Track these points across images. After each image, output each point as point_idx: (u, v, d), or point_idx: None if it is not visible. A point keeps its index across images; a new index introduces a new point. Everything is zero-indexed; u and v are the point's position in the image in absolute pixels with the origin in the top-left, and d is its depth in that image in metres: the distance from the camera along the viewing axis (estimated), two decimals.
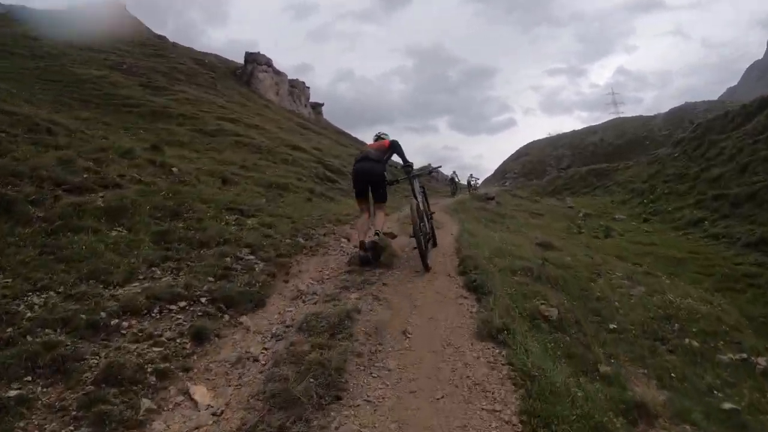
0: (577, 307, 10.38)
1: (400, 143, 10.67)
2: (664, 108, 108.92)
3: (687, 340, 11.23)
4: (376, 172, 10.09)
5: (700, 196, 33.95)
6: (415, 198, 10.54)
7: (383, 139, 11.05)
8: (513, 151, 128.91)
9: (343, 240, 12.58)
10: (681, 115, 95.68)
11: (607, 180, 61.43)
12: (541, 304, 8.93)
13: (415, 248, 10.10)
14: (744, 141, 36.04)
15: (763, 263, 22.00)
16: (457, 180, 50.92)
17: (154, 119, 26.88)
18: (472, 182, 53.09)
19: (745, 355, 11.24)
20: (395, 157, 11.01)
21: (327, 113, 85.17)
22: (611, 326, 10.73)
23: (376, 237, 10.03)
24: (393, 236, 12.34)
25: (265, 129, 32.26)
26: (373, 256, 9.89)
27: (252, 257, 9.49)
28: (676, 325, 12.12)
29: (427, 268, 9.70)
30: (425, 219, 10.71)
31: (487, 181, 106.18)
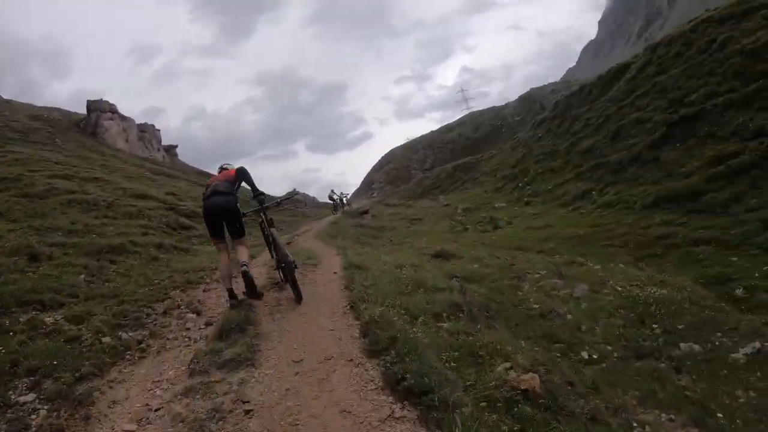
0: (538, 346, 7.13)
1: (247, 170, 9.46)
2: (512, 97, 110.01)
3: (683, 346, 8.43)
4: (230, 207, 8.89)
5: (577, 170, 32.14)
6: (268, 230, 9.60)
7: (228, 169, 9.85)
8: (375, 161, 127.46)
9: (190, 316, 9.05)
10: (530, 100, 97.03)
11: (474, 172, 60.19)
12: (508, 369, 5.31)
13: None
14: (609, 109, 34.66)
15: (670, 221, 20.06)
16: (336, 198, 47.34)
17: None
18: (338, 198, 49.10)
19: (757, 345, 8.64)
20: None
21: (183, 154, 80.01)
22: (583, 355, 7.61)
23: (244, 268, 8.55)
24: (259, 295, 9.47)
25: (107, 181, 27.69)
26: (248, 292, 8.83)
27: (30, 398, 5.58)
28: (656, 327, 9.25)
29: (299, 299, 8.79)
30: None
31: (356, 194, 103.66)
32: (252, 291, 8.85)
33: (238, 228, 9.07)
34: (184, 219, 23.34)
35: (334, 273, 10.69)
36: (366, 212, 36.61)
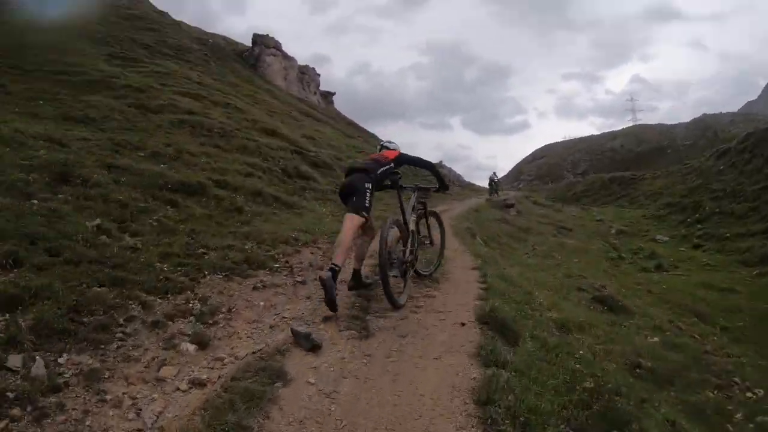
0: None
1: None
2: (682, 118, 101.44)
3: None
4: (357, 186, 7.04)
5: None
6: (403, 216, 7.54)
7: (389, 149, 8.17)
8: (527, 152, 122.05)
9: None
10: (704, 126, 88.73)
11: (631, 189, 54.18)
12: None
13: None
14: None
15: None
16: (496, 180, 45.10)
17: (88, 90, 19.45)
18: (496, 182, 45.95)
19: None
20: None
21: (341, 105, 77.68)
22: None
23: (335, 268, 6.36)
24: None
25: (240, 110, 24.72)
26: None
27: None
28: None
29: (396, 306, 6.66)
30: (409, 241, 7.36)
31: (501, 181, 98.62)
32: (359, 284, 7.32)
33: (362, 209, 6.99)
34: (307, 167, 19.96)
35: (461, 324, 6.28)
36: (512, 206, 32.36)
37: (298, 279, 7.86)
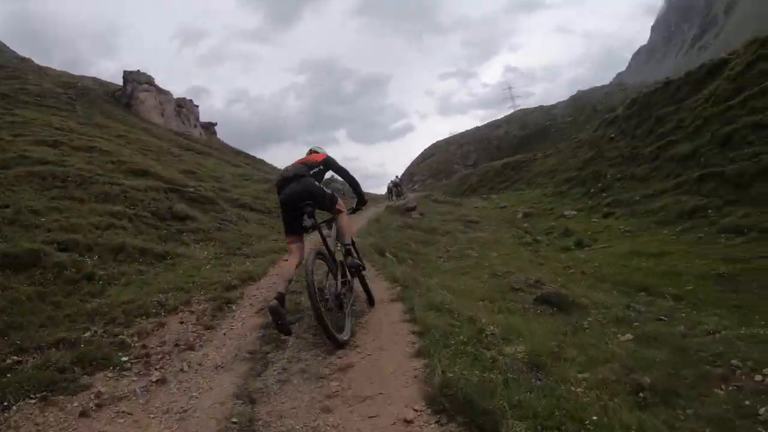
0: None
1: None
2: (557, 99, 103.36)
3: None
4: (310, 188, 6.54)
5: (674, 180, 24.95)
6: (326, 248, 6.80)
7: (317, 152, 7.55)
8: (416, 154, 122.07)
9: None
10: (581, 101, 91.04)
11: (526, 172, 54.26)
12: None
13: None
14: (707, 110, 27.20)
15: None
16: (399, 184, 47.12)
17: None
18: (398, 183, 47.27)
19: None
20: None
21: (225, 136, 74.92)
22: None
23: (349, 250, 6.86)
24: None
25: (106, 152, 21.73)
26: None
27: None
28: None
29: (338, 343, 5.95)
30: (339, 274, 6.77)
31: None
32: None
33: (330, 201, 6.87)
34: (184, 206, 17.30)
35: (406, 422, 3.94)
36: (413, 209, 30.24)
37: (153, 378, 5.54)
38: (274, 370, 5.49)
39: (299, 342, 6.27)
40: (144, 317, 7.32)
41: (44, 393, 4.98)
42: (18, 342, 6.07)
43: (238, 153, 62.88)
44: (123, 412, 4.79)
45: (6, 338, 6.18)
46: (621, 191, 28.71)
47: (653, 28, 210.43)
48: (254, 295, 8.59)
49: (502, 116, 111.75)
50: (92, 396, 5.03)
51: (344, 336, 6.12)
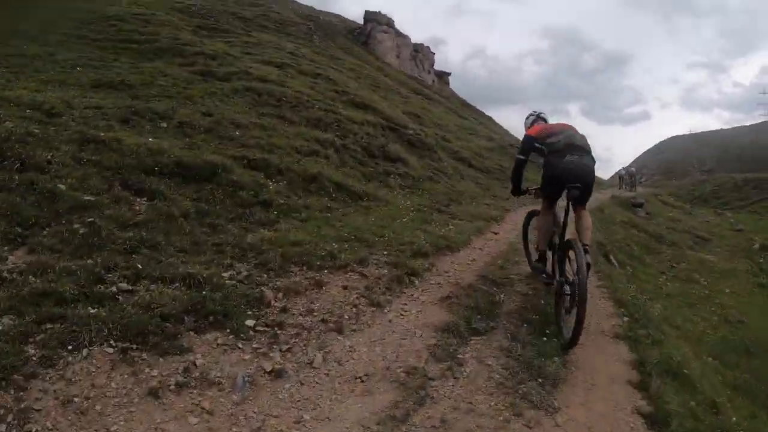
0: None
1: None
2: None
3: None
4: (593, 172, 5.74)
5: None
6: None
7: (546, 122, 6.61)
8: (646, 145, 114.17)
9: None
10: None
11: None
12: None
13: None
14: None
15: None
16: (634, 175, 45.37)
17: (152, 58, 16.61)
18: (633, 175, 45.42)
19: None
20: None
21: (456, 87, 73.15)
22: None
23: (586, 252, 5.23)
24: None
25: (332, 81, 20.85)
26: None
27: None
28: None
29: (571, 342, 4.90)
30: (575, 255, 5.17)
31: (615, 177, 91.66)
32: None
33: (590, 194, 5.75)
34: (399, 147, 16.16)
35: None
36: (641, 205, 27.44)
37: (268, 366, 4.14)
38: (427, 417, 3.71)
39: (479, 370, 4.47)
40: (304, 268, 6.02)
41: (128, 344, 3.83)
42: (139, 266, 4.95)
43: (467, 106, 61.20)
44: (202, 408, 3.49)
45: (129, 259, 5.08)
46: None
47: None
48: (447, 272, 6.97)
49: (753, 123, 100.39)
50: (181, 367, 3.81)
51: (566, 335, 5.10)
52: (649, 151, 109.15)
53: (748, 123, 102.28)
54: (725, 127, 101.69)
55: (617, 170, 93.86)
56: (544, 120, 6.70)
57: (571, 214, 5.84)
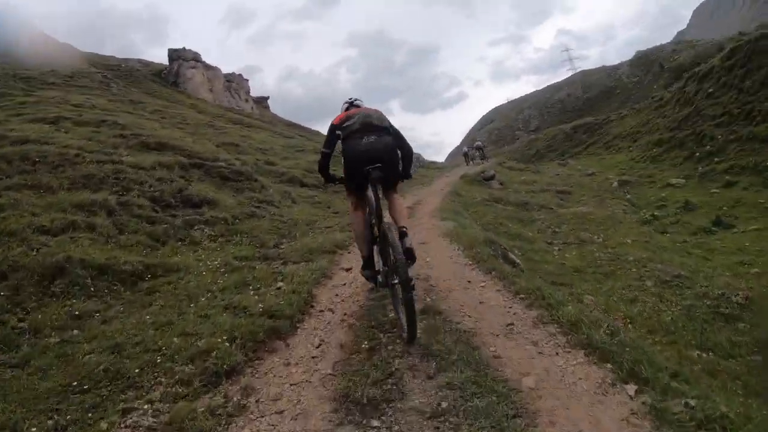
0: None
1: None
2: (614, 60, 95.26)
3: None
4: (392, 151, 5.22)
5: None
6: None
7: (360, 108, 5.75)
8: (471, 122, 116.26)
9: None
10: (647, 61, 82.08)
11: (600, 135, 48.21)
12: None
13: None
14: None
15: None
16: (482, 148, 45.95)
17: None
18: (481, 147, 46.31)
19: None
20: None
21: (278, 110, 70.20)
22: None
23: (404, 230, 4.93)
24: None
25: (120, 125, 17.11)
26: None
27: None
28: None
29: (409, 337, 4.40)
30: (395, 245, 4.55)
31: (454, 154, 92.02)
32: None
33: (396, 175, 5.40)
34: (205, 186, 12.84)
35: None
36: (491, 177, 25.30)
37: None
38: None
39: None
40: None
41: None
42: None
43: (292, 125, 58.55)
44: None
45: None
46: (740, 155, 23.00)
47: None
48: (270, 409, 3.66)
49: (562, 79, 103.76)
50: None
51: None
52: (474, 126, 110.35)
53: (556, 81, 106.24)
54: (539, 88, 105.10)
55: (457, 149, 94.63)
56: (358, 106, 5.92)
57: (385, 204, 5.35)
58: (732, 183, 21.18)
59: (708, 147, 25.82)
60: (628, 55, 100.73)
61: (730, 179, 21.49)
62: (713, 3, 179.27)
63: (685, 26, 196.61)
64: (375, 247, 5.39)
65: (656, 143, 32.78)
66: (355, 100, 6.21)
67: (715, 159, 24.25)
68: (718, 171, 22.97)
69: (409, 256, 4.63)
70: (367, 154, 4.98)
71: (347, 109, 5.98)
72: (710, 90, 31.07)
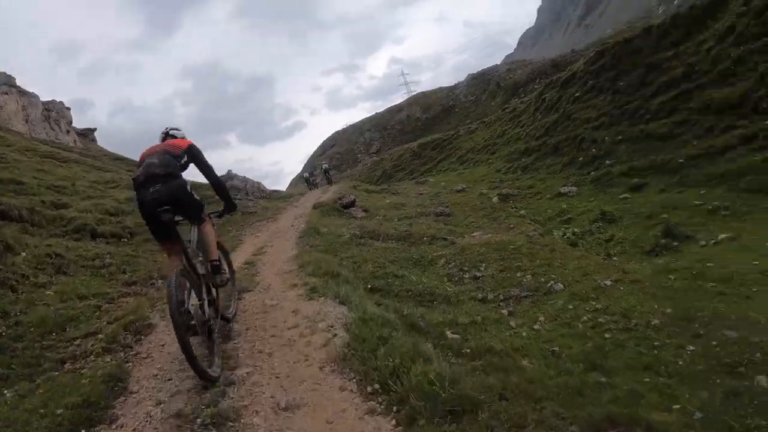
0: None
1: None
2: (445, 84, 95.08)
3: None
4: (178, 194, 5.21)
5: (739, 131, 16.16)
6: (187, 259, 5.30)
7: (175, 137, 6.04)
8: (312, 149, 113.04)
9: None
10: (483, 79, 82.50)
11: (451, 150, 44.75)
12: None
13: None
14: (725, 50, 19.36)
15: None
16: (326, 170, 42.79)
17: None
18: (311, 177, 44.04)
19: None
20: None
21: (109, 145, 62.03)
22: None
23: (217, 267, 5.60)
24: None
25: None
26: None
27: None
28: None
29: (210, 379, 4.70)
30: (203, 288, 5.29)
31: (295, 183, 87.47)
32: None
33: (194, 210, 5.50)
34: None
35: None
36: (352, 204, 20.16)
37: None
38: None
39: None
40: None
41: None
42: None
43: (119, 159, 50.51)
44: None
45: None
46: (636, 156, 19.49)
47: (539, 11, 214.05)
48: None
49: (401, 101, 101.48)
50: None
51: (215, 371, 4.81)
52: (315, 153, 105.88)
53: (387, 106, 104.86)
54: (377, 112, 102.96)
55: (299, 176, 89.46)
56: (173, 136, 5.98)
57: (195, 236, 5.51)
58: (641, 186, 17.37)
59: (593, 150, 22.21)
60: (459, 78, 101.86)
61: (639, 182, 17.67)
62: (536, 30, 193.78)
63: (511, 50, 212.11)
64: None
65: (523, 152, 29.22)
66: (171, 129, 6.00)
67: (607, 162, 20.57)
68: (615, 174, 19.21)
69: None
70: (155, 202, 4.88)
71: (163, 139, 5.90)
72: (577, 94, 28.01)
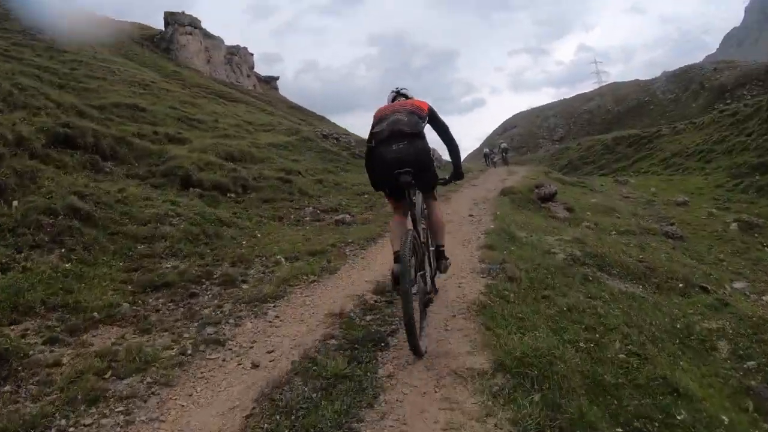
0: None
1: None
2: (636, 78, 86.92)
3: None
4: (419, 152, 4.38)
5: None
6: (414, 226, 4.55)
7: (407, 97, 5.17)
8: (488, 128, 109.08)
9: None
10: (686, 78, 73.17)
11: (651, 151, 38.17)
12: None
13: None
14: None
15: None
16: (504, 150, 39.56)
17: None
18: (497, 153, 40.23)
19: None
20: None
21: (291, 97, 61.04)
22: None
23: (443, 252, 4.93)
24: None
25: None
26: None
27: None
28: None
29: (420, 354, 4.09)
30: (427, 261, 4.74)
31: (472, 157, 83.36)
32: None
33: (431, 179, 4.71)
34: None
35: None
36: (552, 197, 15.61)
37: None
38: None
39: None
40: None
41: None
42: None
43: (295, 108, 49.21)
44: None
45: None
46: None
47: (747, 11, 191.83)
48: None
49: (591, 90, 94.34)
50: None
51: (424, 345, 4.20)
52: (495, 131, 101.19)
53: (573, 94, 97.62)
54: (563, 98, 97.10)
55: (477, 151, 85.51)
56: (405, 96, 5.14)
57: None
58: None
59: None
60: (651, 74, 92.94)
61: None
62: (742, 31, 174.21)
63: (712, 51, 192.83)
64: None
65: (756, 168, 22.89)
66: (402, 89, 5.30)
67: None
68: None
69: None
70: (397, 161, 4.26)
71: (393, 99, 5.22)
72: None
